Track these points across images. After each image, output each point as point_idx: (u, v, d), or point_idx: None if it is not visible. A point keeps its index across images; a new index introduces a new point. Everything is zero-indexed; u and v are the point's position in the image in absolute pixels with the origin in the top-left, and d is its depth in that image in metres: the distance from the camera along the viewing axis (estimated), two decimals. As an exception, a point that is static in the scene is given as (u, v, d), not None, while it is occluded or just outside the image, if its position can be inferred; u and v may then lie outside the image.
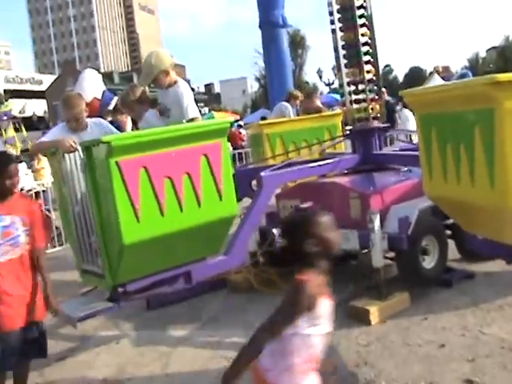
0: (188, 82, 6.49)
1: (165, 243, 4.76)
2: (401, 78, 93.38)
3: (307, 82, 63.43)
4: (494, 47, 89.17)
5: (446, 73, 11.70)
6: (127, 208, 4.52)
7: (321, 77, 47.20)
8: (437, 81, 10.50)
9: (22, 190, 10.40)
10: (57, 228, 10.46)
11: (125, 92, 6.52)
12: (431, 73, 15.61)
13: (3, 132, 19.33)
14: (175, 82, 5.88)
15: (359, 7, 6.82)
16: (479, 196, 4.04)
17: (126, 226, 4.50)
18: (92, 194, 4.73)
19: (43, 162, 13.37)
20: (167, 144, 4.77)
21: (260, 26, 19.38)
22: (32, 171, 14.22)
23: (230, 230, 5.38)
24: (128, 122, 7.81)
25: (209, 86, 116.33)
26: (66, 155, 5.13)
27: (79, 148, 4.87)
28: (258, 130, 9.19)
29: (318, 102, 10.67)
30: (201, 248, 5.19)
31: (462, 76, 10.47)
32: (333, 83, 47.65)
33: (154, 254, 4.78)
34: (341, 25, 6.89)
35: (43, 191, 10.86)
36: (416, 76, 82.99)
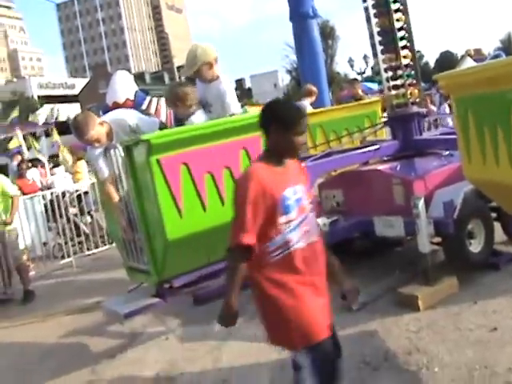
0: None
1: (208, 238, 4.82)
2: (432, 64, 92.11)
3: (338, 73, 63.06)
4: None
5: (478, 55, 11.57)
6: (170, 205, 4.61)
7: (352, 66, 46.71)
8: (469, 64, 10.36)
9: (65, 192, 10.59)
10: (102, 229, 10.63)
11: (170, 88, 6.41)
12: (463, 56, 15.40)
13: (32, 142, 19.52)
14: (217, 77, 5.78)
15: (392, -8, 6.75)
16: None
17: (169, 222, 4.59)
18: (134, 193, 4.82)
19: (80, 165, 13.52)
20: (206, 139, 4.85)
21: (291, 19, 19.32)
22: (70, 173, 14.40)
23: None
24: None
25: (240, 82, 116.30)
26: (110, 153, 5.19)
27: (119, 148, 4.91)
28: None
29: (359, 90, 10.63)
30: None
31: (496, 57, 10.31)
32: (364, 72, 47.22)
33: (197, 249, 4.87)
34: (375, 11, 6.85)
35: (85, 193, 11.01)
36: (447, 60, 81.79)
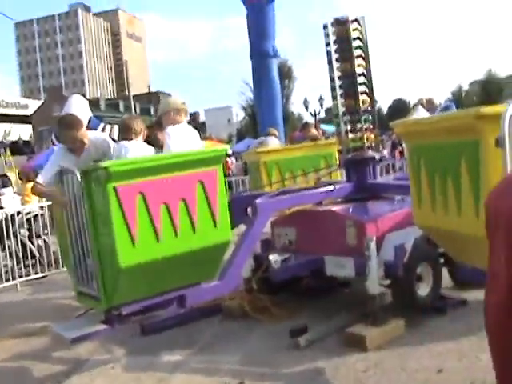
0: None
1: (160, 267, 4.90)
2: (385, 110, 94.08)
3: (293, 113, 63.72)
4: (476, 81, 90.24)
5: (429, 105, 11.90)
6: (124, 232, 4.68)
7: (307, 107, 47.33)
8: (421, 113, 10.65)
9: (19, 213, 10.42)
10: (54, 253, 10.48)
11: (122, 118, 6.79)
12: (415, 105, 15.90)
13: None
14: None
15: (355, 39, 6.96)
16: (465, 226, 4.18)
17: (122, 249, 4.66)
18: (89, 218, 4.87)
19: (30, 188, 13.33)
20: (164, 170, 4.96)
21: (251, 56, 19.62)
22: (19, 194, 14.20)
23: (224, 255, 5.56)
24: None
25: (194, 115, 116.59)
26: (64, 178, 5.24)
27: (78, 175, 4.97)
28: (256, 157, 9.32)
29: (314, 131, 10.84)
30: (195, 273, 5.35)
31: (446, 108, 10.64)
32: (319, 113, 47.89)
33: (148, 277, 4.93)
34: (337, 55, 7.01)
35: (35, 216, 10.84)
36: (400, 108, 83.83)
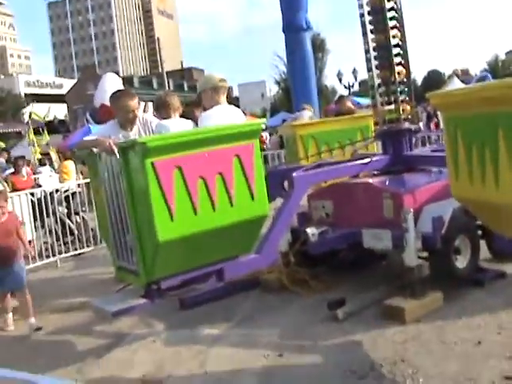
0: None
1: (198, 241, 4.94)
2: (419, 82, 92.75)
3: (326, 86, 63.20)
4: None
5: (465, 76, 11.75)
6: (162, 207, 4.72)
7: (341, 80, 46.85)
8: (456, 84, 10.54)
9: (57, 191, 10.59)
10: (92, 230, 10.65)
11: (157, 95, 6.74)
12: (450, 76, 15.70)
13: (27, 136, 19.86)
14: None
15: (390, 9, 6.88)
16: (504, 197, 4.14)
17: (160, 224, 4.70)
18: (128, 194, 4.93)
19: (67, 165, 13.50)
20: (201, 145, 4.97)
21: (283, 30, 19.51)
22: (56, 172, 14.41)
23: (261, 229, 5.55)
24: None
25: (228, 90, 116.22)
26: (103, 155, 5.27)
27: (116, 149, 4.99)
28: (292, 131, 9.32)
29: (350, 104, 10.75)
30: (233, 247, 5.37)
31: (482, 78, 10.48)
32: (353, 86, 47.43)
33: (187, 251, 4.97)
34: (372, 27, 6.94)
35: (73, 193, 11.00)
36: (435, 79, 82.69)
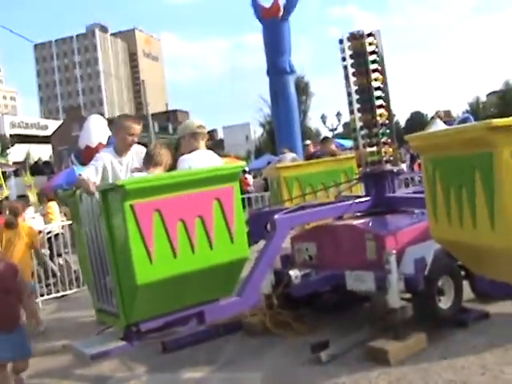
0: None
1: (177, 284, 4.99)
2: (402, 123, 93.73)
3: (311, 128, 63.70)
4: (494, 91, 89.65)
5: (447, 117, 11.92)
6: (141, 250, 4.77)
7: (324, 122, 47.37)
8: (439, 125, 10.66)
9: (40, 232, 10.52)
10: (75, 272, 10.58)
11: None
12: (433, 117, 15.92)
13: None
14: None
15: (371, 52, 6.99)
16: (481, 238, 4.21)
17: (139, 267, 4.75)
18: (107, 235, 4.97)
19: (51, 206, 13.45)
20: (180, 188, 5.04)
21: (268, 73, 19.77)
22: (41, 215, 14.32)
23: (241, 272, 5.58)
24: None
25: (212, 133, 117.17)
26: (83, 197, 5.34)
27: (96, 192, 5.07)
28: (276, 173, 9.37)
29: (333, 146, 10.86)
30: (213, 289, 5.41)
31: (464, 120, 10.62)
32: (336, 128, 47.92)
33: (166, 294, 5.01)
34: (353, 70, 7.04)
35: (56, 235, 10.94)
36: (417, 121, 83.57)
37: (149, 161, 5.92)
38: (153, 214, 4.81)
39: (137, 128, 6.19)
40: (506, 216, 3.94)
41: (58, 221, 12.60)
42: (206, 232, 5.08)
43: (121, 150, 6.11)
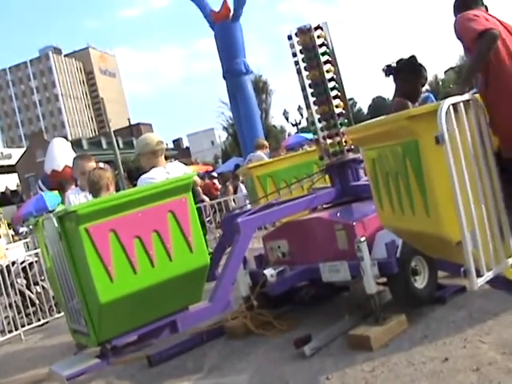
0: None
1: (141, 298, 5.26)
2: (365, 110, 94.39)
3: (275, 126, 63.84)
4: (451, 67, 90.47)
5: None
6: (100, 270, 5.05)
7: (287, 118, 47.59)
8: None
9: (13, 263, 10.42)
10: (53, 298, 10.50)
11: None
12: (392, 100, 16.08)
13: None
14: None
15: (321, 45, 7.07)
16: (420, 225, 4.43)
17: (100, 286, 5.03)
18: (69, 259, 5.26)
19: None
20: (133, 206, 5.31)
21: (224, 76, 19.76)
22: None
23: (205, 278, 5.79)
24: None
25: (177, 142, 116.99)
26: (46, 223, 5.51)
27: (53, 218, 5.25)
28: (248, 173, 9.40)
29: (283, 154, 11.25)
30: (180, 298, 5.68)
31: (425, 99, 10.66)
32: (300, 123, 48.11)
33: (132, 309, 5.29)
34: (305, 64, 7.13)
35: (30, 263, 10.83)
36: (379, 106, 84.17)
37: (96, 190, 6.22)
38: (108, 235, 5.08)
39: (88, 165, 6.65)
40: (436, 202, 4.12)
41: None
42: (163, 245, 5.35)
43: (83, 185, 6.59)
